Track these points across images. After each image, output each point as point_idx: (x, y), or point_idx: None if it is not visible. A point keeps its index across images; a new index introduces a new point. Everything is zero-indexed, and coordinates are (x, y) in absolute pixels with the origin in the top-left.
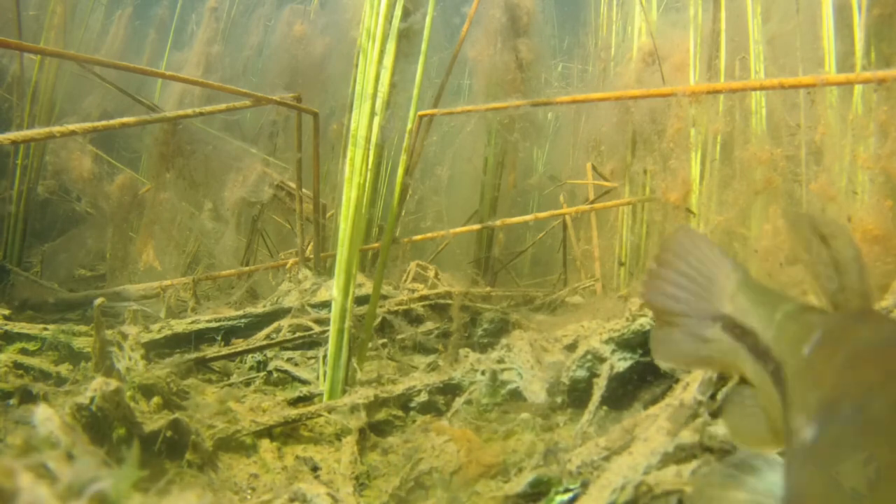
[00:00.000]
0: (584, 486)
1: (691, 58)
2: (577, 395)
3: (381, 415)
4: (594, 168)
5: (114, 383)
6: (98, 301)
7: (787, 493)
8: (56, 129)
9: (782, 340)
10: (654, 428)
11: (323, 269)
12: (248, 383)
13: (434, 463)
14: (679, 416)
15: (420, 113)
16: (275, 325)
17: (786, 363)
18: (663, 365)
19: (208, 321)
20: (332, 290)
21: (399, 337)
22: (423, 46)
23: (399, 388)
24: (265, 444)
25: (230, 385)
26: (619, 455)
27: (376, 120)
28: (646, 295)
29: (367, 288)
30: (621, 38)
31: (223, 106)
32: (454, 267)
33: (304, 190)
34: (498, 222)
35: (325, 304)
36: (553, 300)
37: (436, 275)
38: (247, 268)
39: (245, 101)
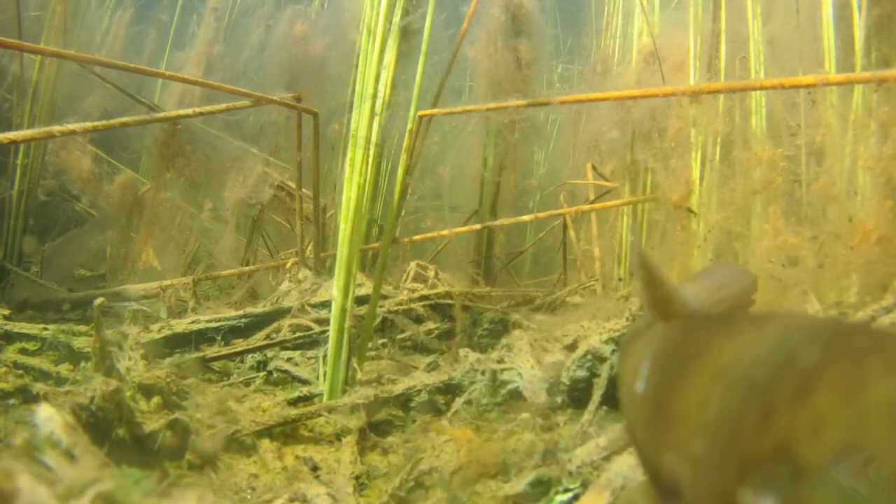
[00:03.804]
0: (584, 486)
1: (691, 58)
2: (577, 395)
3: (381, 415)
4: (594, 168)
5: (114, 383)
6: (98, 301)
7: None
8: (56, 128)
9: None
10: None
11: (323, 268)
12: (248, 383)
13: (434, 463)
14: None
15: (420, 113)
16: (275, 325)
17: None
18: None
19: (208, 321)
20: (332, 289)
21: (399, 337)
22: (424, 46)
23: (399, 388)
24: (265, 444)
25: (230, 385)
26: (620, 455)
27: (376, 120)
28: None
29: (367, 288)
30: (622, 38)
31: (223, 106)
32: (454, 267)
33: (304, 190)
34: (498, 222)
35: (325, 304)
36: (553, 300)
37: (436, 275)
38: (247, 268)
39: (245, 101)
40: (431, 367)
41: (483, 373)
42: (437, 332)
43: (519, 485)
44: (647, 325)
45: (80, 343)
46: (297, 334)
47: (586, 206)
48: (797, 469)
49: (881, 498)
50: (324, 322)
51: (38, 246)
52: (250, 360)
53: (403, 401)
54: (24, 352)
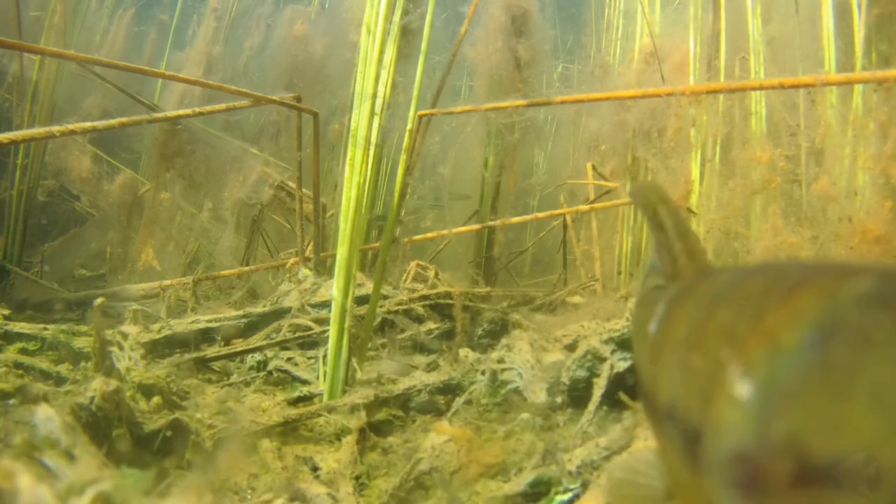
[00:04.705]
0: (584, 486)
1: (691, 58)
2: (577, 395)
3: (381, 415)
4: (594, 168)
5: (114, 383)
6: (98, 301)
7: None
8: (56, 128)
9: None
10: None
11: (323, 268)
12: (248, 383)
13: (434, 463)
14: None
15: (420, 113)
16: (275, 324)
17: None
18: None
19: (208, 321)
20: (332, 289)
21: (399, 337)
22: (423, 46)
23: (399, 388)
24: (265, 444)
25: (230, 385)
26: (620, 455)
27: (376, 120)
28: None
29: (367, 288)
30: (622, 38)
31: (223, 106)
32: (454, 267)
33: (304, 190)
34: (498, 222)
35: (325, 304)
36: (553, 300)
37: (436, 275)
38: (247, 268)
39: (245, 101)
40: (431, 368)
41: (483, 373)
42: (437, 332)
43: (519, 485)
44: (661, 283)
45: (80, 343)
46: (297, 334)
47: (586, 206)
48: (777, 351)
49: (843, 365)
50: (324, 322)
51: (39, 246)
52: (250, 360)
53: (403, 401)
54: (24, 352)
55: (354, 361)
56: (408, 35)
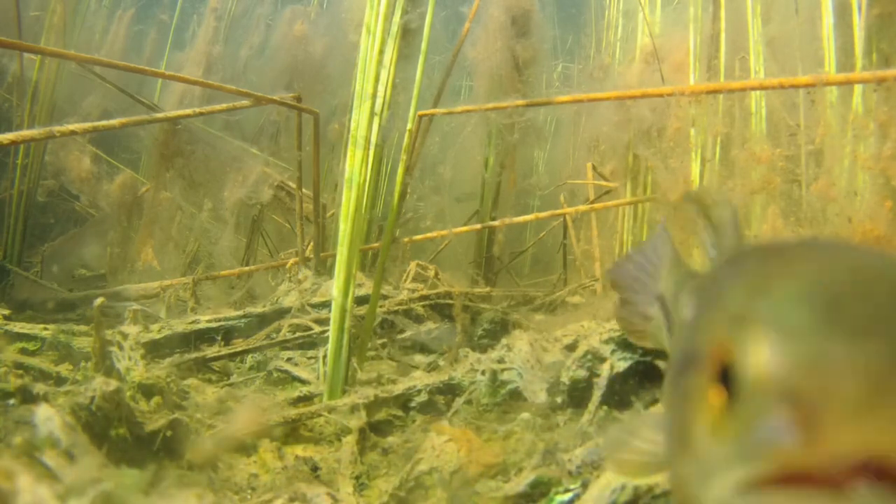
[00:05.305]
0: (584, 486)
1: (691, 58)
2: (577, 395)
3: (381, 415)
4: (594, 168)
5: (114, 383)
6: (98, 301)
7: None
8: (56, 129)
9: (675, 309)
10: None
11: (323, 268)
12: (248, 383)
13: (434, 463)
14: None
15: (420, 113)
16: (275, 324)
17: (673, 328)
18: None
19: (208, 321)
20: (332, 289)
21: (399, 337)
22: (423, 46)
23: (399, 388)
24: (265, 444)
25: (230, 385)
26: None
27: (376, 120)
28: (611, 274)
29: (367, 288)
30: (623, 38)
31: (223, 106)
32: (454, 267)
33: (304, 190)
34: (498, 222)
35: (325, 304)
36: (553, 300)
37: (436, 275)
38: (247, 268)
39: (245, 101)
40: (431, 368)
41: (483, 373)
42: (436, 331)
43: (519, 485)
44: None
45: (80, 343)
46: (297, 334)
47: (586, 207)
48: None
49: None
50: (324, 322)
51: (39, 246)
52: (250, 360)
53: (403, 401)
54: (24, 352)
55: (354, 361)
56: (408, 35)
